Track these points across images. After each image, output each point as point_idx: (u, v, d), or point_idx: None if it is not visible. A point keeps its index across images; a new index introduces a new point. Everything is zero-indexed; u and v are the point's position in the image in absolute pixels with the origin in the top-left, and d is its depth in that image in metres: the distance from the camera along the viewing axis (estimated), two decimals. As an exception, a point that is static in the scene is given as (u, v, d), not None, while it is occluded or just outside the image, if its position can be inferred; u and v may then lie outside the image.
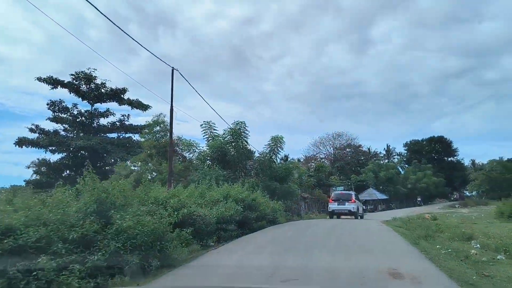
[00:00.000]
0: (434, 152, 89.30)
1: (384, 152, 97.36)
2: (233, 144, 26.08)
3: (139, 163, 28.70)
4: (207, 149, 26.35)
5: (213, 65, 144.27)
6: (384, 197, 59.09)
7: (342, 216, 28.46)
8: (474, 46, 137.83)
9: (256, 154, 28.70)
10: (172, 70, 15.87)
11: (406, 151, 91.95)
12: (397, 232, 15.63)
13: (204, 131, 26.76)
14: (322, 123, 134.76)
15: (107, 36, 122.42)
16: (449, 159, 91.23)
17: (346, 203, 28.06)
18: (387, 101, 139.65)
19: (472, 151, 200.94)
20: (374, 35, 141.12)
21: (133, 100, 40.33)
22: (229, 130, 25.90)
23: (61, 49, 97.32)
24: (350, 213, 27.81)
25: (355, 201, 28.88)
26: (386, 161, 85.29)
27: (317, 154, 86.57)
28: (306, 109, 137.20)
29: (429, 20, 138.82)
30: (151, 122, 29.26)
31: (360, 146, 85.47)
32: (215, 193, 14.63)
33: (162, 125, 28.42)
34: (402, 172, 73.21)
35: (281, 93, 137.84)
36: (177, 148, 28.22)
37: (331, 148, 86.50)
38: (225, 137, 26.07)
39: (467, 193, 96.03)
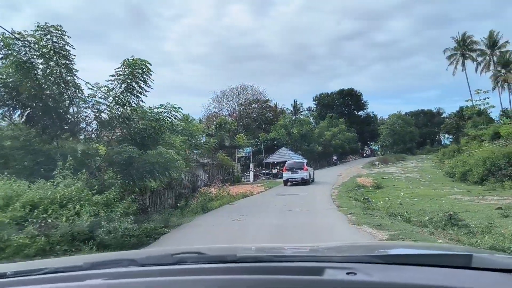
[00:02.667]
0: (344, 105, 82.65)
1: (292, 109, 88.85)
2: (37, 70, 12.52)
3: None
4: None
5: (108, 23, 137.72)
6: (299, 157, 49.48)
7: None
8: (366, 8, 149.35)
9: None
10: None
11: (316, 105, 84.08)
12: None
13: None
14: (226, 84, 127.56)
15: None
16: (359, 112, 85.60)
17: (299, 172, 29.01)
18: (288, 62, 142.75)
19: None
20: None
21: None
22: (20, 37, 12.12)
23: None
24: (303, 180, 28.64)
25: (307, 169, 29.64)
26: (294, 117, 76.63)
27: (219, 111, 74.56)
28: (209, 71, 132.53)
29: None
30: None
31: (267, 101, 75.23)
32: None
33: None
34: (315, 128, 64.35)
35: (182, 55, 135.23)
36: None
37: (236, 104, 75.02)
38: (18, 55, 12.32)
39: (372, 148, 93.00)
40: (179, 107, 14.74)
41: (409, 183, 26.65)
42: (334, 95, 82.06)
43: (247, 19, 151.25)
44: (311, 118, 69.51)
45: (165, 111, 14.47)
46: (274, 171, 47.71)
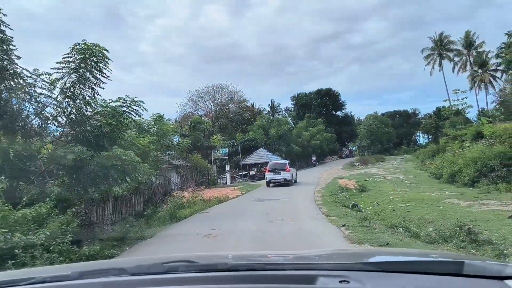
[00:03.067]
0: (322, 105, 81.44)
1: (269, 109, 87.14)
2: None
3: None
4: None
5: (82, 23, 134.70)
6: (277, 158, 47.79)
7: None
8: (342, 10, 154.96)
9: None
10: None
11: (293, 105, 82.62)
12: None
13: None
14: (202, 84, 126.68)
15: None
16: (337, 113, 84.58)
17: (282, 173, 28.62)
18: (266, 63, 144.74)
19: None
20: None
21: None
22: None
23: None
24: (285, 181, 28.19)
25: (289, 170, 29.31)
26: (272, 117, 74.90)
27: (195, 111, 72.22)
28: (186, 71, 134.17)
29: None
30: None
31: (244, 100, 73.39)
32: None
33: None
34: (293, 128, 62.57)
35: (159, 55, 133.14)
36: None
37: (212, 104, 72.75)
38: None
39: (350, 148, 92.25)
40: (140, 101, 12.58)
41: (395, 185, 25.15)
42: (312, 95, 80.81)
43: (224, 19, 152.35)
44: (289, 118, 67.83)
45: (124, 105, 12.29)
46: (252, 172, 45.80)
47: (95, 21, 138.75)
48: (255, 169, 47.81)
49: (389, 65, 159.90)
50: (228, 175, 45.75)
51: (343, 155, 78.75)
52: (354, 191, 24.04)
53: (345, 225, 9.98)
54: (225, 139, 54.84)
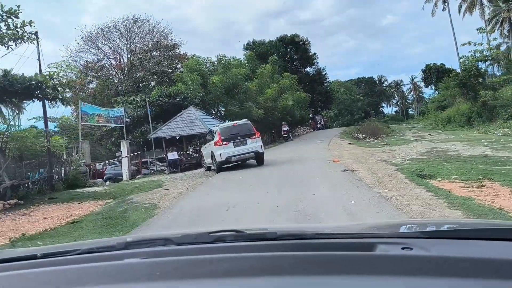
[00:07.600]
0: (287, 58, 58.46)
1: (216, 63, 63.11)
2: None
3: None
4: None
5: None
6: (222, 124, 24.51)
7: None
8: None
9: None
10: None
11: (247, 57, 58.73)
12: None
13: None
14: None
15: None
16: (307, 69, 61.80)
17: (248, 141, 15.92)
18: (214, 39, 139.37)
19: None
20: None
21: None
22: None
23: None
24: (256, 155, 16.13)
25: (259, 135, 16.81)
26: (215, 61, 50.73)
27: (100, 60, 46.57)
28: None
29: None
30: None
31: (175, 46, 48.95)
32: None
33: None
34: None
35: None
36: None
37: (123, 49, 47.61)
38: None
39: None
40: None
41: None
42: (273, 43, 57.30)
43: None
44: (246, 62, 43.60)
45: None
46: (172, 156, 22.52)
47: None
48: (189, 148, 24.90)
49: (337, 42, 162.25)
50: (125, 162, 22.39)
51: (318, 126, 56.51)
52: None
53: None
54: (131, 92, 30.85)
